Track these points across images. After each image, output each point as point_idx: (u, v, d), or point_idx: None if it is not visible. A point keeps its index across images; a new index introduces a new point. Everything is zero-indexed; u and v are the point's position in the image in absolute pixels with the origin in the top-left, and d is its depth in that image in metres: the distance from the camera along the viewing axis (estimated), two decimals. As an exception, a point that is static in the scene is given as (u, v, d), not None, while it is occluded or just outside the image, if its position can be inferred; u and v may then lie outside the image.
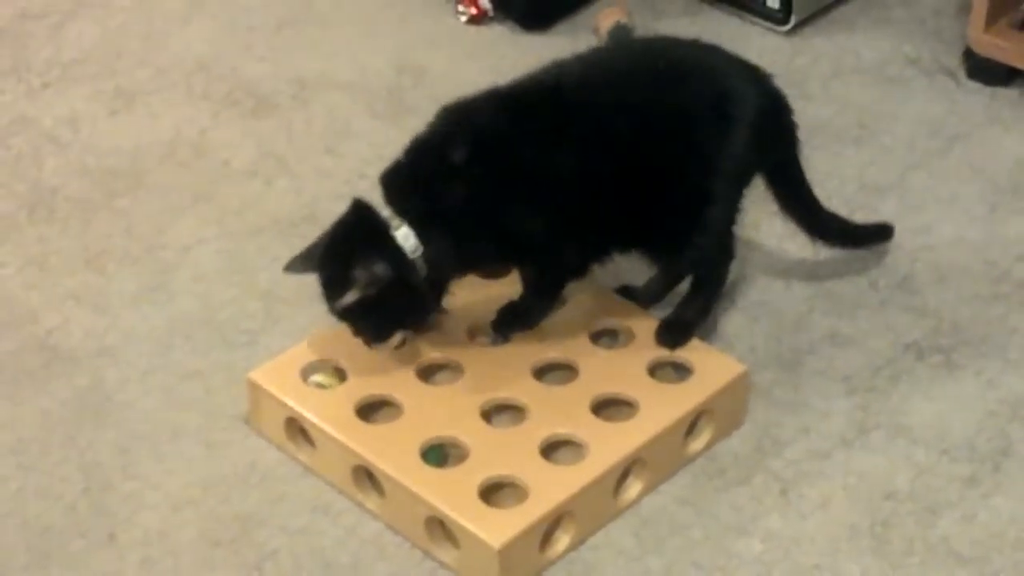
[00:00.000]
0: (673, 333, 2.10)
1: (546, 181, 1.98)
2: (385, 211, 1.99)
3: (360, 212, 2.01)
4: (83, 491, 1.99)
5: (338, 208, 2.38)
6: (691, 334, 2.10)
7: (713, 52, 2.11)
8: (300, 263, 2.04)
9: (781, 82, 2.69)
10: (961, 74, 2.73)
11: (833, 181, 2.50)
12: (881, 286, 2.30)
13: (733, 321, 2.23)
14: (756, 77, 2.11)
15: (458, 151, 1.96)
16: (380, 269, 1.95)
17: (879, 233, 2.33)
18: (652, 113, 2.01)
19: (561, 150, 1.98)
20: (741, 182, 2.10)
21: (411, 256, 1.96)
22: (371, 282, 1.95)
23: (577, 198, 1.99)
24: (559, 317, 2.12)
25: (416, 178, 2.00)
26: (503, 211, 1.97)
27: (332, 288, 1.99)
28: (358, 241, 1.99)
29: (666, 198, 2.03)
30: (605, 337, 2.13)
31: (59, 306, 2.27)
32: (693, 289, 2.15)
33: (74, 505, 1.97)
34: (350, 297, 1.95)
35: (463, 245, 1.98)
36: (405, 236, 1.96)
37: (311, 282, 2.26)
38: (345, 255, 1.98)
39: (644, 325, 2.11)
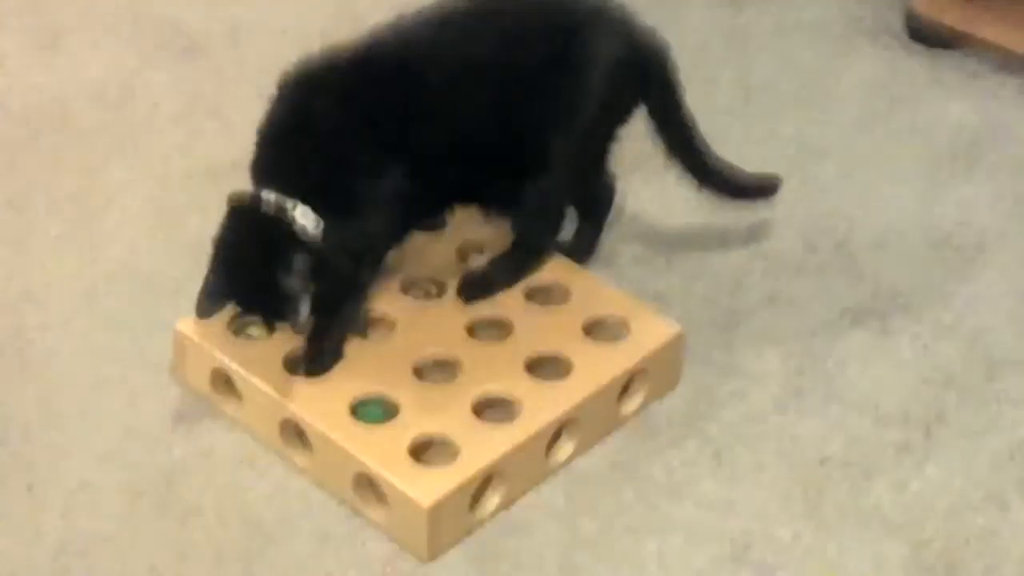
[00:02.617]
0: (472, 288, 2.05)
1: (395, 144, 1.91)
2: (269, 196, 1.88)
3: (244, 215, 1.89)
4: (1, 440, 1.94)
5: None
6: (491, 293, 2.05)
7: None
8: (211, 301, 1.89)
9: (724, 44, 2.69)
10: (904, 36, 2.71)
11: (773, 142, 2.48)
12: (819, 249, 2.28)
13: (670, 282, 2.21)
14: (614, 26, 2.02)
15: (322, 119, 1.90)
16: (301, 262, 1.84)
17: (765, 187, 2.22)
18: (497, 68, 1.95)
19: (409, 118, 1.92)
20: (589, 138, 2.04)
21: (316, 231, 1.86)
22: (304, 279, 1.84)
23: (424, 159, 1.92)
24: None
25: (290, 153, 1.92)
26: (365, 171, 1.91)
27: (274, 310, 1.88)
28: (261, 247, 1.86)
29: (506, 153, 1.97)
30: (540, 294, 2.09)
31: (-20, 249, 2.21)
32: (511, 248, 2.08)
33: (-8, 455, 1.93)
34: (304, 307, 1.85)
35: (350, 206, 1.90)
36: (303, 214, 1.85)
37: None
38: (259, 271, 1.86)
39: (579, 282, 2.08)
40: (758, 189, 2.24)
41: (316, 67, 1.96)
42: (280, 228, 1.86)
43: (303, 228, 1.86)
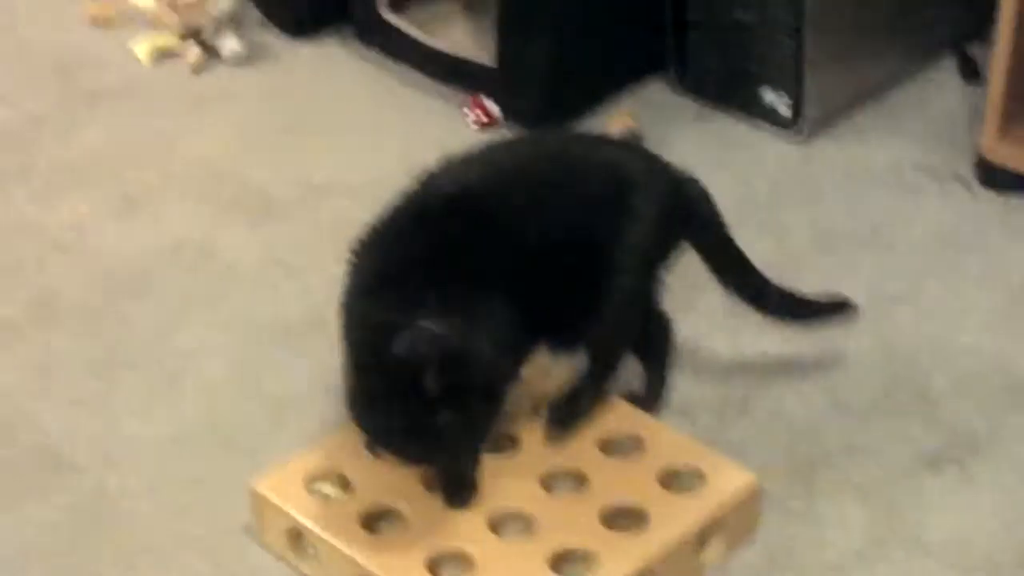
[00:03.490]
0: (561, 413, 2.08)
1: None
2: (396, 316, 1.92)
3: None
4: (84, 605, 1.95)
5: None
6: (580, 415, 2.08)
7: (610, 144, 2.15)
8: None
9: (794, 191, 2.71)
10: (974, 182, 2.71)
11: (846, 289, 2.47)
12: (896, 395, 2.26)
13: (746, 430, 2.20)
14: (656, 166, 2.12)
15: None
16: (426, 341, 1.86)
17: (837, 306, 2.26)
18: (554, 208, 2.02)
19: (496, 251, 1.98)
20: (643, 270, 2.10)
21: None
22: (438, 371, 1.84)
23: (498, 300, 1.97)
24: (568, 426, 2.09)
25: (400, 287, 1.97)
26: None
27: (412, 415, 1.88)
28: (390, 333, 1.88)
29: (573, 291, 2.02)
30: (613, 446, 2.09)
31: (62, 413, 2.24)
32: (588, 374, 2.12)
33: (74, 620, 1.94)
34: (443, 415, 1.87)
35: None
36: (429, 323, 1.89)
37: (318, 388, 2.26)
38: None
39: (653, 433, 2.08)
40: (830, 307, 2.27)
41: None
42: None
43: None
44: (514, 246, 1.99)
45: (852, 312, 2.26)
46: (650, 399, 2.19)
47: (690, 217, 2.15)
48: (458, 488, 1.98)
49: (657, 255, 2.12)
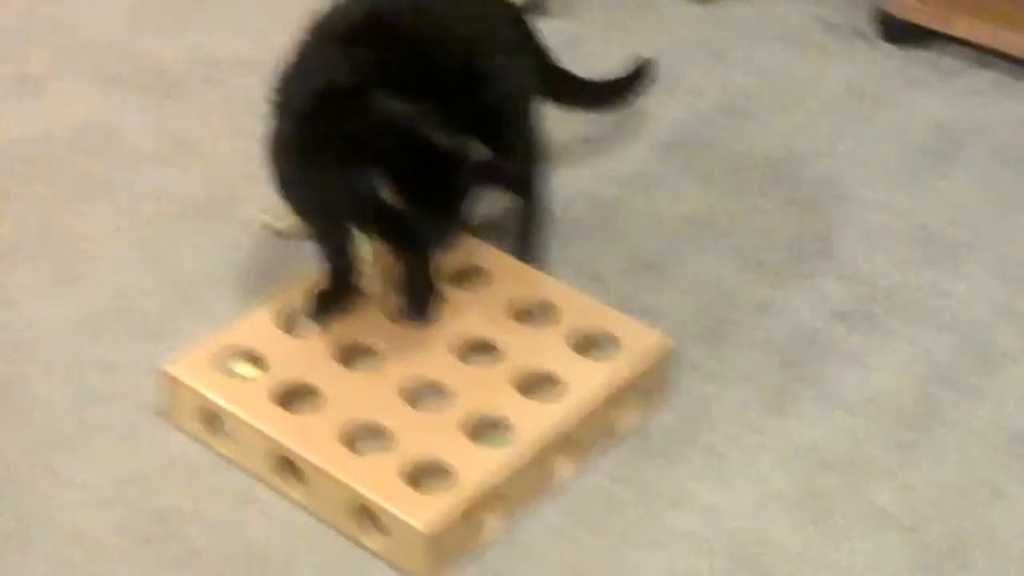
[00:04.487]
0: (523, 245, 2.17)
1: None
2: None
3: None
4: (-3, 492, 1.93)
5: (256, 191, 2.34)
6: (540, 238, 2.19)
7: None
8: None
9: (702, 51, 2.69)
10: (877, 37, 2.71)
11: (759, 149, 2.47)
12: (808, 255, 2.27)
13: (661, 294, 2.20)
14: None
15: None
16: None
17: (640, 73, 2.41)
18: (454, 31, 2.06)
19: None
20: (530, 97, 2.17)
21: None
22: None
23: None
24: (481, 295, 2.08)
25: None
26: None
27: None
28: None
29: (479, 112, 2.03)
30: (527, 315, 2.08)
31: (-33, 302, 2.20)
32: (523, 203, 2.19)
33: (-12, 507, 1.91)
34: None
35: None
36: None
37: (232, 268, 2.23)
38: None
39: (565, 298, 2.07)
40: (635, 75, 2.40)
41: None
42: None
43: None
44: (427, 65, 1.99)
45: (650, 68, 2.42)
46: (531, 251, 2.20)
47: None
48: (420, 297, 2.03)
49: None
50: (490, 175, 1.95)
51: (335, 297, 2.06)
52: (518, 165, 2.14)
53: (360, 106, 1.91)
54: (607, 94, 2.41)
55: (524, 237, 2.20)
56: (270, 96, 2.02)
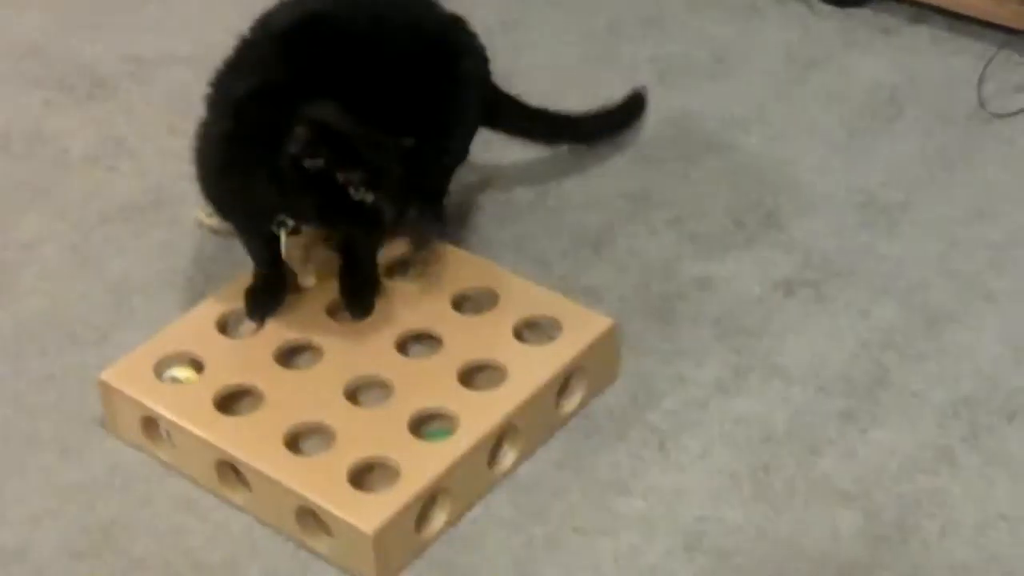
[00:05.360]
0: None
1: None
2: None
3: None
4: (-64, 511, 1.90)
5: (189, 189, 2.30)
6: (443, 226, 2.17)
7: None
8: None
9: (637, 20, 2.67)
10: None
11: (693, 117, 2.45)
12: (747, 224, 2.25)
13: (600, 273, 2.18)
14: (471, 35, 2.14)
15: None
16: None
17: (635, 103, 2.39)
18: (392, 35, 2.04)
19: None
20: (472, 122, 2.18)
21: None
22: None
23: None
24: (417, 285, 2.06)
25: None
26: None
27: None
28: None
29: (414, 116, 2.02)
30: (467, 303, 2.06)
31: (-102, 318, 2.17)
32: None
33: (-74, 528, 1.89)
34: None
35: None
36: None
37: (168, 270, 2.21)
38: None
39: (506, 286, 2.05)
40: (630, 105, 2.38)
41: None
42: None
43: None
44: (365, 69, 1.98)
45: (643, 95, 2.39)
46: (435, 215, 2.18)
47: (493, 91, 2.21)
48: (365, 294, 2.02)
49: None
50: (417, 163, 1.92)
51: (269, 295, 2.04)
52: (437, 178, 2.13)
53: (291, 102, 1.89)
54: (594, 126, 2.36)
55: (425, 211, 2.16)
56: (206, 92, 1.99)
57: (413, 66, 2.04)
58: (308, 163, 1.84)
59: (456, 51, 2.11)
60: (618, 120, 2.39)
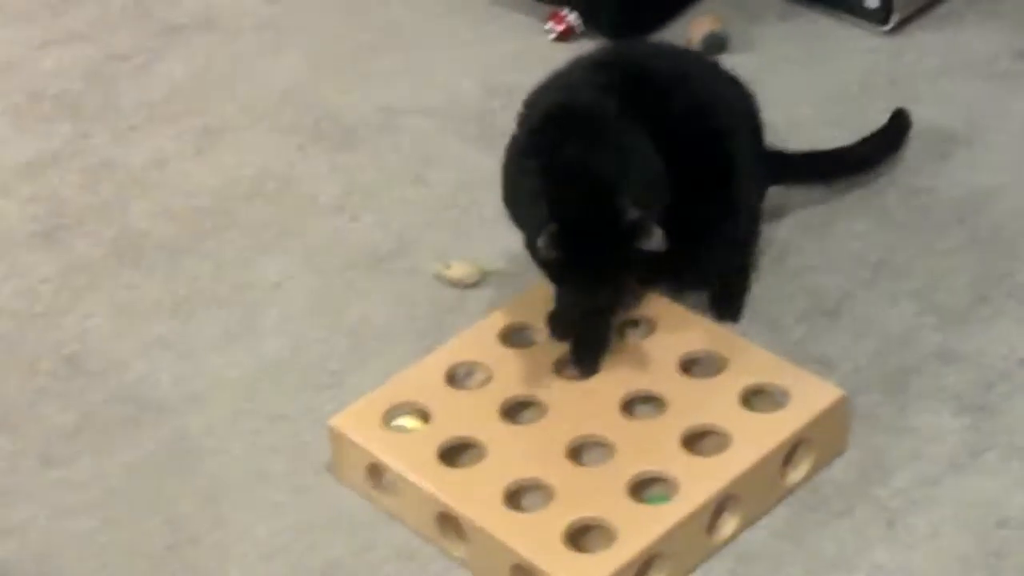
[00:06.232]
0: (729, 307, 2.15)
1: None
2: None
3: None
4: (169, 545, 1.96)
5: (429, 240, 2.35)
6: (744, 298, 2.18)
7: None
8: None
9: (885, 83, 2.61)
10: (1075, 65, 2.60)
11: (943, 185, 2.39)
12: (992, 296, 2.18)
13: (835, 340, 2.13)
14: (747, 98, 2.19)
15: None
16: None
17: (899, 127, 2.40)
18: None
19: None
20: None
21: None
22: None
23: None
24: (646, 345, 2.05)
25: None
26: None
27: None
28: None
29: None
30: (695, 366, 2.04)
31: (147, 353, 2.24)
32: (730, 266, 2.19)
33: (161, 560, 1.94)
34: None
35: None
36: None
37: (403, 319, 2.24)
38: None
39: (736, 351, 2.03)
40: (894, 128, 2.39)
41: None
42: None
43: None
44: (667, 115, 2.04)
45: (906, 113, 2.40)
46: (732, 308, 2.16)
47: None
48: (595, 352, 2.03)
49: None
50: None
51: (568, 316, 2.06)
52: (732, 229, 2.14)
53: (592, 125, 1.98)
54: (860, 156, 2.37)
55: (726, 298, 2.17)
56: (521, 109, 2.09)
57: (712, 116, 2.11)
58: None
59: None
60: (887, 142, 2.39)
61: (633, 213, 1.89)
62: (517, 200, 2.04)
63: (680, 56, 2.27)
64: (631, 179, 1.93)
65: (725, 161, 2.08)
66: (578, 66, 2.14)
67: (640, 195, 1.92)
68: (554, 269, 1.95)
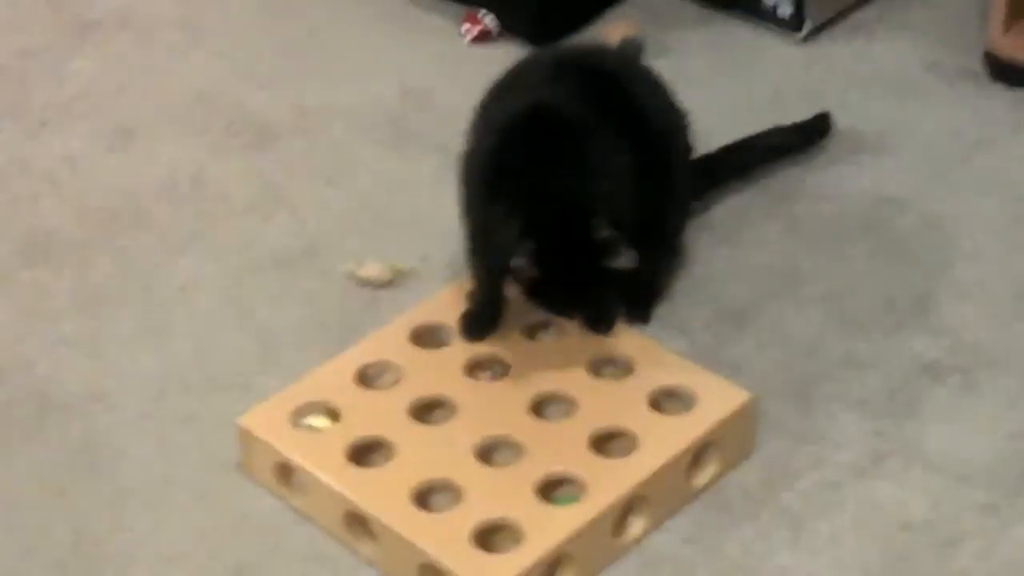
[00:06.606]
0: (639, 310, 2.15)
1: None
2: None
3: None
4: (71, 550, 1.93)
5: (342, 240, 2.34)
6: (657, 299, 2.19)
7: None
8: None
9: (797, 93, 2.64)
10: (983, 78, 2.63)
11: (851, 195, 2.41)
12: (897, 306, 2.21)
13: (742, 347, 2.15)
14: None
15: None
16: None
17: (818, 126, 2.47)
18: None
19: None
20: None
21: None
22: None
23: None
24: (556, 348, 2.06)
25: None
26: None
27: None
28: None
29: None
30: (605, 367, 2.05)
31: (53, 353, 2.22)
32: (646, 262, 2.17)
33: (62, 565, 1.91)
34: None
35: None
36: None
37: (309, 320, 2.24)
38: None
39: (645, 354, 2.04)
40: (812, 132, 2.45)
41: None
42: None
43: None
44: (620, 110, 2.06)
45: (828, 124, 2.48)
46: (642, 311, 2.17)
47: None
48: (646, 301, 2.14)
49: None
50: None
51: (487, 319, 2.07)
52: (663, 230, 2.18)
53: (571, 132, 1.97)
54: (773, 144, 2.43)
55: (636, 301, 2.18)
56: (473, 117, 2.09)
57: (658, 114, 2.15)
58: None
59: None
60: (802, 137, 2.45)
61: (606, 231, 1.92)
62: (478, 210, 2.00)
63: (622, 58, 2.29)
64: (606, 194, 1.94)
65: (666, 159, 2.12)
66: (533, 67, 2.14)
67: (614, 210, 1.94)
68: (525, 284, 1.98)
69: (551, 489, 1.89)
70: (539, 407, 1.99)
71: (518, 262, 1.98)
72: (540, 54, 2.26)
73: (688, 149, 2.22)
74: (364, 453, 1.96)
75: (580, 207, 1.94)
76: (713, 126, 2.45)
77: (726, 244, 2.32)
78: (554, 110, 1.99)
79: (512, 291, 2.07)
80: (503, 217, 1.91)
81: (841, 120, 2.55)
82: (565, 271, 1.97)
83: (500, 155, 1.97)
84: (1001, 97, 2.60)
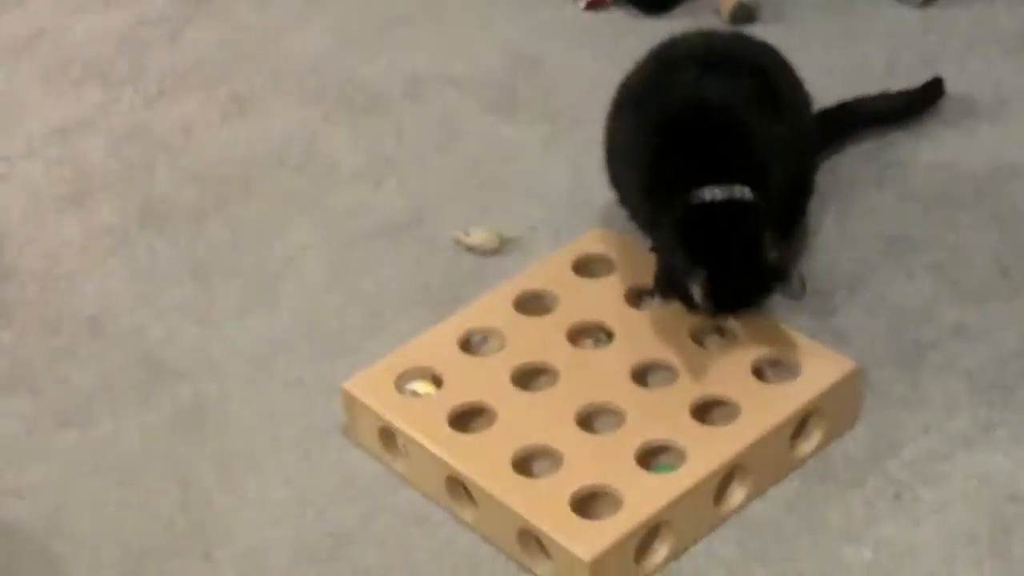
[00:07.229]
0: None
1: None
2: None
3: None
4: (180, 508, 1.97)
5: (450, 208, 2.35)
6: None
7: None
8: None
9: (914, 58, 2.60)
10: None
11: (965, 162, 2.37)
12: (1012, 274, 2.16)
13: (851, 315, 2.12)
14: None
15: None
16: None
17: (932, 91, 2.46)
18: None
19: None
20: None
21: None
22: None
23: None
24: (659, 316, 2.05)
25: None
26: None
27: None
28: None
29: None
30: (709, 335, 2.04)
31: (165, 319, 2.26)
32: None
33: (171, 523, 1.96)
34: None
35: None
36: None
37: (415, 287, 2.25)
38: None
39: (749, 322, 2.02)
40: (924, 97, 2.45)
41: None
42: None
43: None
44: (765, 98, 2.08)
45: (941, 88, 2.47)
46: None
47: None
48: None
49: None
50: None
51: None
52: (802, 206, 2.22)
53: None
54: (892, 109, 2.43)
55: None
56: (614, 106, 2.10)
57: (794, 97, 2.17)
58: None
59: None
60: (915, 102, 2.44)
61: (773, 253, 1.92)
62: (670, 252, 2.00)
63: (763, 48, 2.23)
64: (771, 216, 1.95)
65: (806, 150, 2.17)
66: (682, 55, 2.12)
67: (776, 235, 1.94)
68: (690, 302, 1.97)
69: (651, 457, 1.89)
70: (641, 375, 1.99)
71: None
72: (679, 45, 2.17)
73: (815, 131, 2.22)
74: (466, 419, 1.97)
75: (746, 237, 1.94)
76: (827, 92, 2.41)
77: (836, 211, 2.29)
78: (706, 116, 2.01)
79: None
80: (691, 265, 1.92)
81: (958, 86, 2.50)
82: (734, 299, 1.97)
83: (691, 229, 1.95)
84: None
